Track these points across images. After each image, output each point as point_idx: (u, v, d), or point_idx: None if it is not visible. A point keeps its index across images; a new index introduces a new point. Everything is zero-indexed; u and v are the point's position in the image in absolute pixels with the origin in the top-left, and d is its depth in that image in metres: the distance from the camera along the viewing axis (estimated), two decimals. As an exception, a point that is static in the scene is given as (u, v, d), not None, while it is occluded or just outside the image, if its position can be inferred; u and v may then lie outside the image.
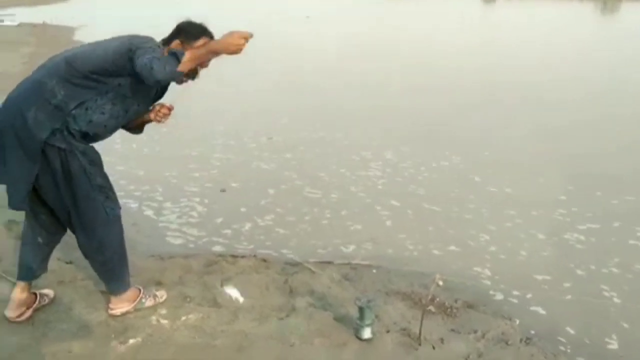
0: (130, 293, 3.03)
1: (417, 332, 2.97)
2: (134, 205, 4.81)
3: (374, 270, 3.80)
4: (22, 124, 2.50)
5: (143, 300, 3.07)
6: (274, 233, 4.48)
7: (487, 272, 3.96)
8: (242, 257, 3.89)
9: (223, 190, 5.25)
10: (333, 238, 4.40)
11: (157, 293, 3.15)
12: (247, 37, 2.43)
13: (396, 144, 6.80)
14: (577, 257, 4.20)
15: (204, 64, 2.64)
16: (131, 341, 2.82)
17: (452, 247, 4.33)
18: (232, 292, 2.23)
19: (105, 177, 2.77)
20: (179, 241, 4.29)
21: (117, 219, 2.84)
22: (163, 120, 2.84)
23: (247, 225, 4.57)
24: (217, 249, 4.18)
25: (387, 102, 8.99)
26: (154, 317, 3.02)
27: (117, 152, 5.90)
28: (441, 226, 4.70)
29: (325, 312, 3.21)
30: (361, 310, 2.93)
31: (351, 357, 2.83)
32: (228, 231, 4.46)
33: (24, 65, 8.56)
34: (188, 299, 3.22)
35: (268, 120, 7.69)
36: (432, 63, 12.62)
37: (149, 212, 4.72)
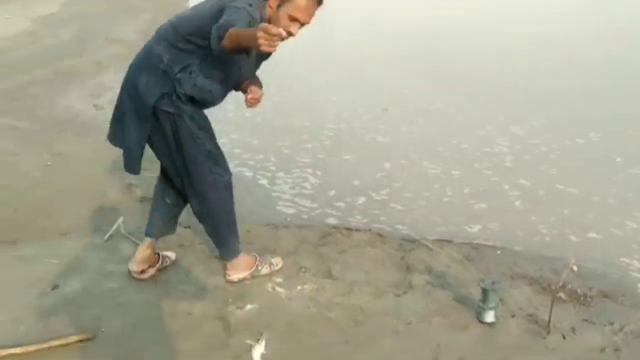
0: (247, 260, 3.15)
1: (546, 319, 2.86)
2: (248, 174, 4.96)
3: (498, 252, 3.69)
4: (135, 90, 2.68)
5: (259, 267, 3.17)
6: (390, 208, 4.46)
7: (636, 264, 3.74)
8: (357, 230, 3.92)
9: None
10: (455, 216, 4.30)
11: (273, 261, 3.25)
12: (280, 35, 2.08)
13: (524, 118, 6.50)
14: None
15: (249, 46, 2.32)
16: (248, 307, 2.93)
17: (592, 234, 4.10)
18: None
19: (214, 143, 2.85)
20: (292, 211, 4.38)
21: (227, 185, 2.92)
22: (253, 106, 2.83)
23: (361, 199, 4.59)
24: (331, 221, 4.24)
25: (513, 72, 8.58)
26: (269, 285, 3.12)
27: (230, 120, 6.09)
28: (579, 210, 4.44)
29: (445, 291, 3.17)
30: (485, 292, 2.86)
31: (473, 340, 2.78)
32: (341, 204, 4.50)
33: (143, 32, 9.02)
34: (303, 270, 3.29)
35: (382, 91, 7.61)
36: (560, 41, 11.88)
37: (263, 182, 4.85)
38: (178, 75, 2.61)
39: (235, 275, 3.12)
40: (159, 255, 3.18)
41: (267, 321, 2.83)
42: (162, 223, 3.10)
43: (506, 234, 4.06)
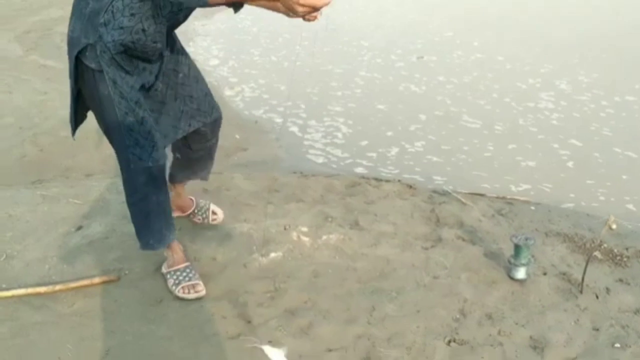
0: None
1: (579, 278, 2.84)
2: (278, 120, 4.96)
3: (533, 208, 3.65)
4: (68, 40, 2.31)
5: (166, 273, 2.76)
6: (425, 160, 4.42)
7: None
8: (387, 181, 3.91)
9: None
10: (500, 174, 4.23)
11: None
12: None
13: (571, 71, 6.33)
14: None
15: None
16: (272, 254, 2.97)
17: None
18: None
19: (140, 120, 2.35)
20: (321, 160, 4.39)
21: (146, 172, 2.42)
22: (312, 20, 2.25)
23: (394, 150, 4.56)
24: (361, 171, 4.23)
25: (558, 18, 8.33)
26: (294, 234, 3.14)
27: (257, 64, 6.06)
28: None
29: (475, 246, 3.16)
30: (517, 247, 2.84)
31: (502, 296, 2.78)
32: (373, 154, 4.48)
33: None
34: (329, 219, 3.31)
35: (418, 37, 7.47)
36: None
37: (293, 129, 4.85)
38: (102, 19, 2.17)
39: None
40: (192, 201, 3.18)
41: (291, 270, 2.87)
42: (176, 173, 3.02)
43: (554, 193, 3.98)
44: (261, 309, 2.60)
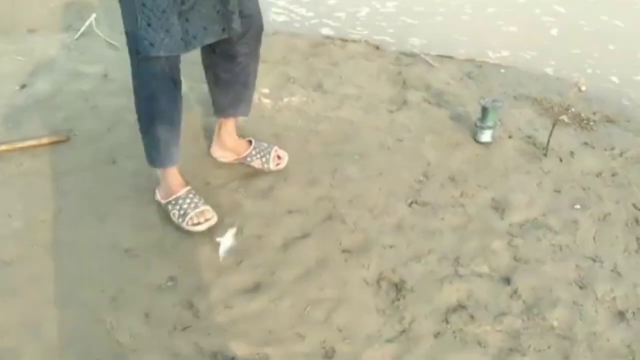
0: (165, 185, 2.38)
1: (545, 141, 2.85)
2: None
3: (502, 71, 3.60)
4: None
5: (170, 207, 2.34)
6: (399, 22, 4.26)
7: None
8: (353, 41, 3.79)
9: None
10: (479, 38, 4.10)
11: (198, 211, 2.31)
12: None
13: None
14: None
15: None
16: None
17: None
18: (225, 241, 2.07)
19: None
20: (282, 18, 4.21)
21: (154, 62, 2.09)
22: None
23: (365, 10, 4.38)
24: (327, 32, 4.08)
25: None
26: (255, 96, 3.05)
27: None
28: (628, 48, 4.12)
29: (441, 109, 3.13)
30: (484, 110, 2.82)
31: (466, 159, 2.79)
32: (341, 14, 4.31)
33: None
34: (292, 80, 3.22)
35: None
36: None
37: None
38: None
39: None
40: (250, 142, 2.65)
41: (251, 132, 2.81)
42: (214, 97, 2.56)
43: (536, 62, 3.86)
44: (220, 171, 2.57)
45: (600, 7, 4.60)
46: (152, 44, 2.00)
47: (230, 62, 2.36)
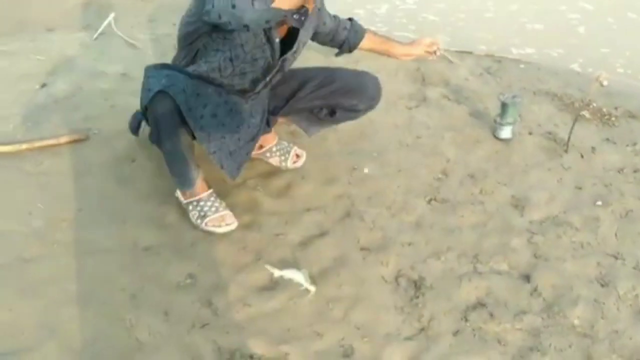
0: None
1: (565, 137, 2.84)
2: None
3: (522, 66, 3.58)
4: None
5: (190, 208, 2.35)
6: (419, 17, 4.25)
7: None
8: (371, 38, 3.78)
9: None
10: (501, 35, 4.06)
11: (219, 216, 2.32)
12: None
13: None
14: None
15: None
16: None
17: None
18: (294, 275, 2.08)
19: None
20: (300, 16, 4.21)
21: (162, 97, 2.08)
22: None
23: (384, 7, 4.37)
24: (344, 27, 4.08)
25: None
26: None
27: None
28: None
29: (460, 105, 3.12)
30: (504, 106, 2.81)
31: (485, 156, 2.79)
32: (360, 11, 4.30)
33: None
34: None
35: None
36: None
37: None
38: None
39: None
40: (274, 136, 2.68)
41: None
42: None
43: (564, 60, 3.82)
44: (238, 169, 2.58)
45: (628, 5, 4.53)
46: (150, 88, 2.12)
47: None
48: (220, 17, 1.91)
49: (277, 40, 2.16)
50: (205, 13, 1.95)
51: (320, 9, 2.36)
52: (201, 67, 2.17)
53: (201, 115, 2.10)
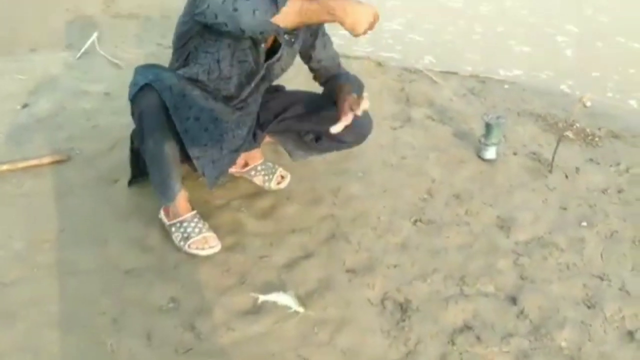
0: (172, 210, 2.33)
1: (550, 157, 2.85)
2: None
3: (506, 86, 3.62)
4: None
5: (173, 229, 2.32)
6: (406, 38, 4.28)
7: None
8: (355, 58, 3.80)
9: None
10: (488, 56, 4.11)
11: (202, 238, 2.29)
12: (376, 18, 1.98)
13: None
14: None
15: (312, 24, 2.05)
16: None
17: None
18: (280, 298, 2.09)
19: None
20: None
21: (147, 91, 2.07)
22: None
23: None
24: (328, 48, 4.09)
25: None
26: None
27: None
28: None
29: (445, 126, 3.14)
30: (488, 126, 2.82)
31: (470, 176, 2.79)
32: (345, 32, 4.31)
33: None
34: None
35: None
36: None
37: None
38: None
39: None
40: (260, 156, 2.67)
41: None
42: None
43: (553, 82, 3.86)
44: (220, 190, 2.56)
45: (616, 29, 4.58)
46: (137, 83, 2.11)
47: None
48: (216, 17, 1.91)
49: (262, 45, 2.16)
50: (200, 13, 1.95)
51: (319, 39, 2.37)
52: (192, 69, 2.15)
53: (187, 116, 2.08)
